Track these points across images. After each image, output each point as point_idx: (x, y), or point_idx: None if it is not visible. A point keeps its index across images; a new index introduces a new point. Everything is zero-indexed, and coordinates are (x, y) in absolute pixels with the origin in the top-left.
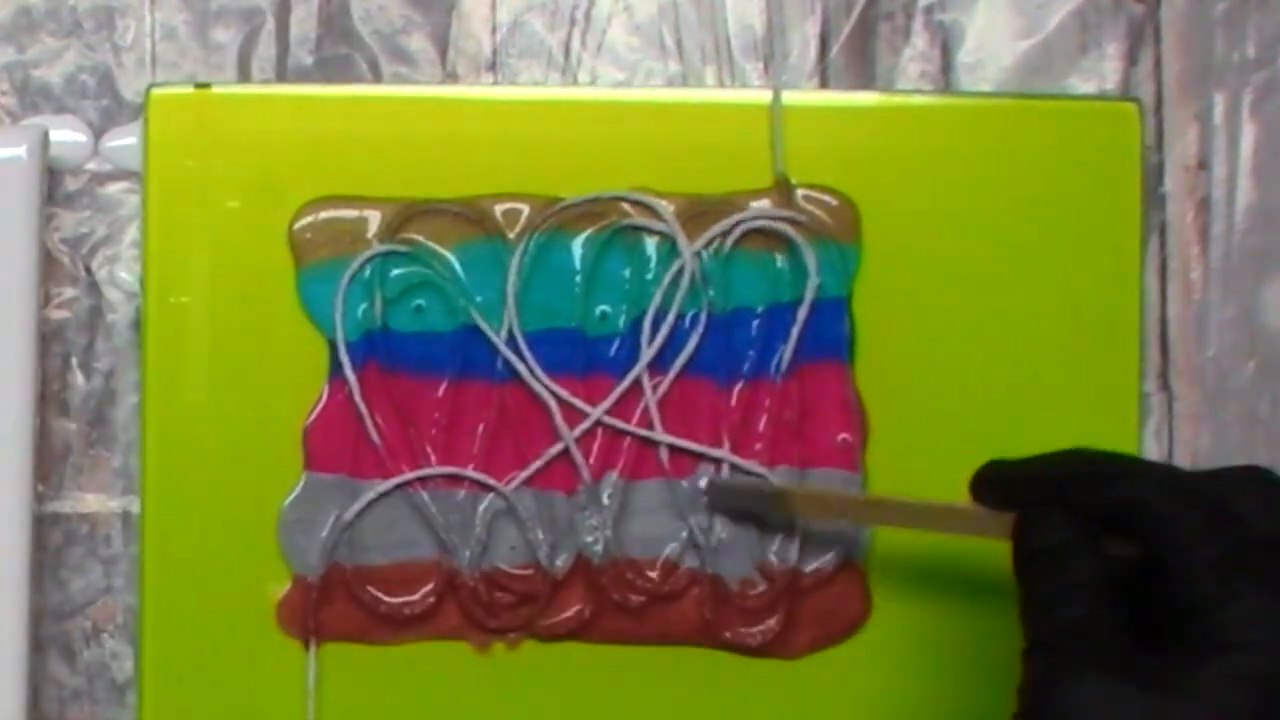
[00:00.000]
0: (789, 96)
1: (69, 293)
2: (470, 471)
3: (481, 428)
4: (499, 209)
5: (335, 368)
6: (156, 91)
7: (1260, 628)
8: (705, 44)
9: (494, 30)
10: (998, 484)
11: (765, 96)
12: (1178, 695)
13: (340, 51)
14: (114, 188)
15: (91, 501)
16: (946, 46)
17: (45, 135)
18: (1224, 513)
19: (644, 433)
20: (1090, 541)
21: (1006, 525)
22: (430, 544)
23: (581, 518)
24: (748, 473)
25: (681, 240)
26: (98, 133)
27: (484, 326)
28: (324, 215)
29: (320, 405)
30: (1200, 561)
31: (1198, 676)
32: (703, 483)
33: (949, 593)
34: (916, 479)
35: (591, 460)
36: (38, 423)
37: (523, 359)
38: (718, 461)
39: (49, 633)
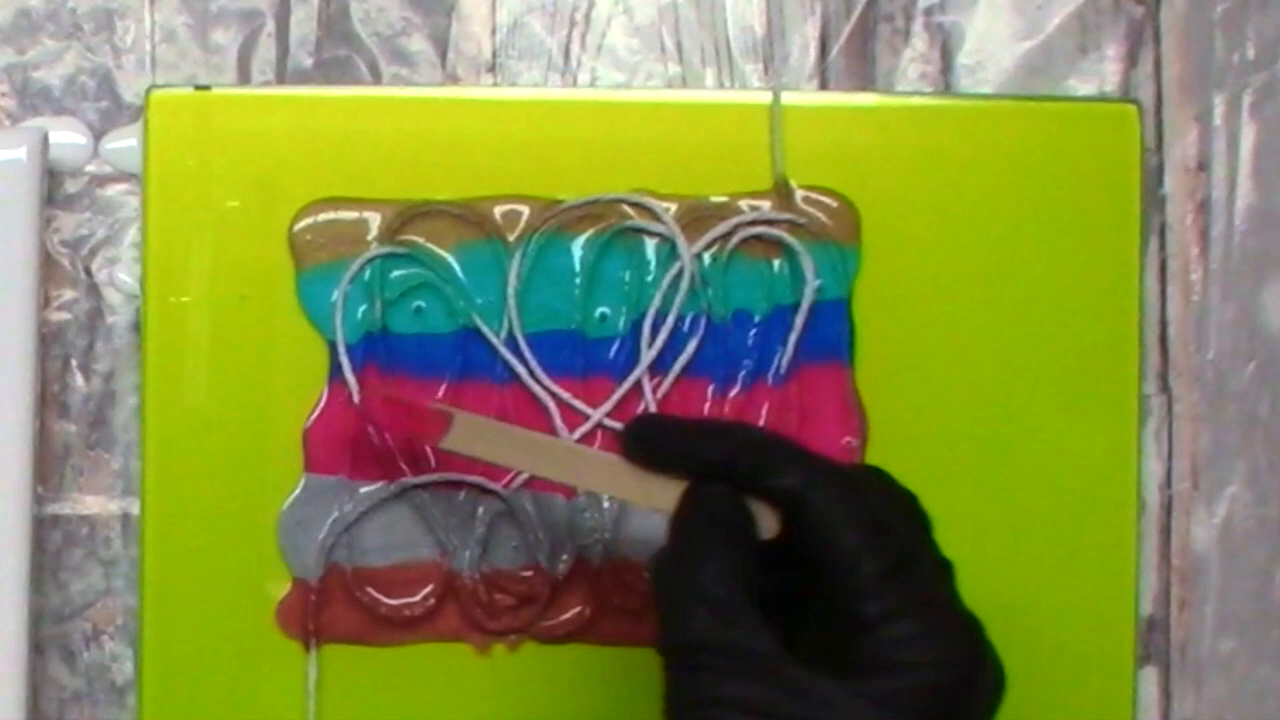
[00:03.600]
0: (789, 98)
1: (69, 294)
2: (472, 477)
3: None
4: (499, 210)
5: (335, 369)
6: (156, 93)
7: (915, 648)
8: (705, 45)
9: (494, 32)
10: (656, 445)
11: (765, 98)
12: (836, 712)
13: (340, 53)
14: (114, 190)
15: (91, 503)
16: (946, 48)
17: (45, 137)
18: (885, 523)
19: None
20: (748, 526)
21: (669, 496)
22: (430, 545)
23: (581, 520)
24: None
25: (681, 242)
26: (98, 135)
27: (484, 328)
28: (324, 217)
29: (320, 407)
30: (861, 576)
31: (859, 694)
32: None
33: None
34: (916, 479)
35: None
36: (37, 424)
37: (523, 361)
38: None
39: (49, 634)
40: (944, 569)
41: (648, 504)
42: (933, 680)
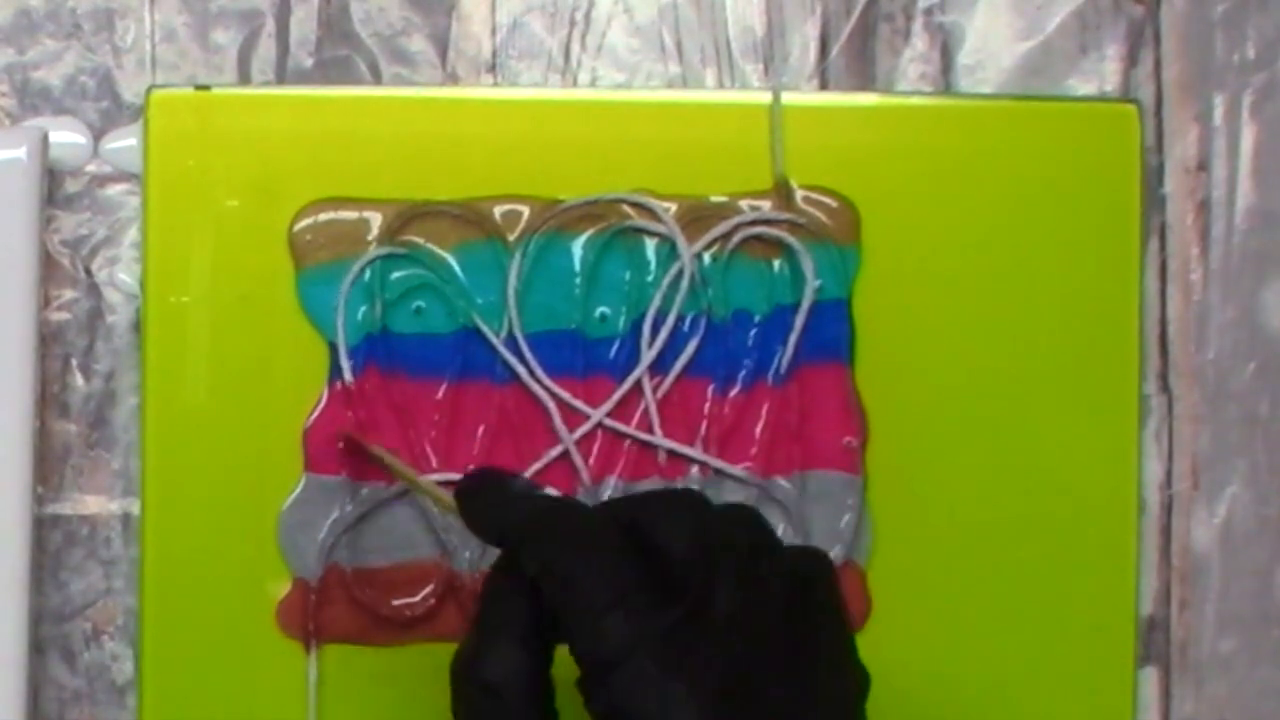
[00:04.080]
0: (789, 98)
1: (69, 294)
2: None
3: (481, 430)
4: (499, 210)
5: (335, 370)
6: (156, 93)
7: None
8: (705, 45)
9: (494, 32)
10: (467, 507)
11: (765, 98)
12: None
13: (340, 53)
14: (114, 189)
15: (91, 503)
16: (946, 48)
17: (45, 137)
18: (617, 564)
19: (644, 436)
20: (530, 608)
21: None
22: (430, 546)
23: None
24: (736, 478)
25: (681, 242)
26: (98, 134)
27: (484, 328)
28: (324, 217)
29: (320, 407)
30: (591, 614)
31: None
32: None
33: (949, 593)
34: (917, 480)
35: (591, 462)
36: (38, 424)
37: (523, 361)
38: (708, 465)
39: (49, 634)
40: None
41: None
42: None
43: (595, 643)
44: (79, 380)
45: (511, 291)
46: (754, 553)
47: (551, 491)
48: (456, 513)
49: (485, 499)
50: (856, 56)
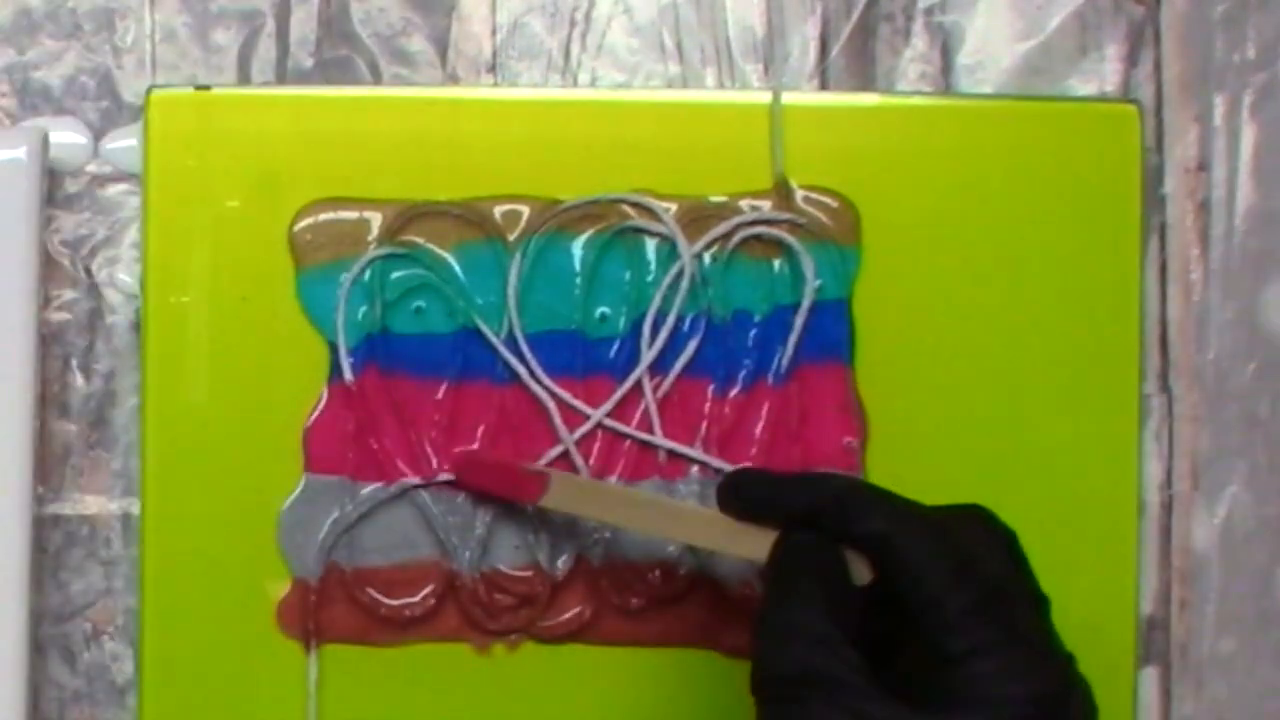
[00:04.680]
0: (789, 98)
1: (69, 295)
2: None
3: (481, 429)
4: (499, 211)
5: (335, 369)
6: (157, 93)
7: (1002, 682)
8: (705, 45)
9: (494, 32)
10: (749, 499)
11: (765, 98)
12: None
13: (340, 53)
14: (114, 190)
15: (91, 503)
16: (946, 48)
17: (45, 137)
18: (970, 560)
19: (644, 436)
20: (841, 571)
21: (762, 546)
22: (430, 545)
23: (581, 520)
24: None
25: (681, 242)
26: (98, 134)
27: (484, 328)
28: (324, 217)
29: (320, 407)
30: (946, 613)
31: None
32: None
33: None
34: (917, 480)
35: (591, 462)
36: (38, 424)
37: (523, 361)
38: (708, 465)
39: (49, 634)
40: (1037, 604)
41: (742, 554)
42: (1018, 715)
43: (944, 635)
44: (79, 380)
45: (511, 291)
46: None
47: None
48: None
49: (767, 480)
50: (856, 56)
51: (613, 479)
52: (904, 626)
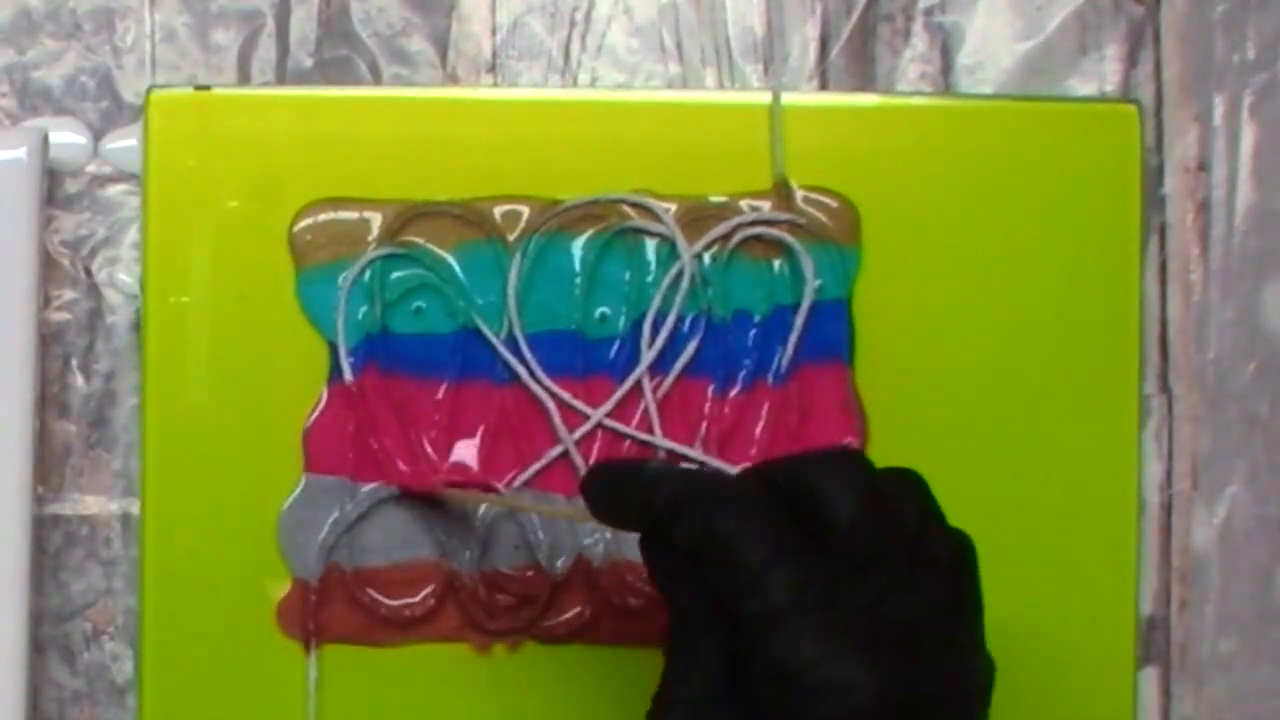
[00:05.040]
0: (789, 98)
1: (69, 295)
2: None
3: (481, 430)
4: (499, 211)
5: (335, 370)
6: (157, 93)
7: (804, 646)
8: (705, 46)
9: (494, 32)
10: (601, 499)
11: (765, 98)
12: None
13: (340, 53)
14: (114, 190)
15: (91, 503)
16: (946, 48)
17: (45, 137)
18: (774, 524)
19: (644, 436)
20: (692, 574)
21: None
22: (430, 546)
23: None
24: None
25: (681, 243)
26: (98, 135)
27: (484, 328)
28: (324, 217)
29: (320, 407)
30: (747, 572)
31: (755, 701)
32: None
33: None
34: None
35: (591, 462)
36: (38, 425)
37: (523, 361)
38: (706, 465)
39: (49, 635)
40: (885, 568)
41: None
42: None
43: (759, 598)
44: (79, 380)
45: (512, 291)
46: (921, 524)
47: (689, 464)
48: (581, 518)
49: (619, 485)
50: (856, 56)
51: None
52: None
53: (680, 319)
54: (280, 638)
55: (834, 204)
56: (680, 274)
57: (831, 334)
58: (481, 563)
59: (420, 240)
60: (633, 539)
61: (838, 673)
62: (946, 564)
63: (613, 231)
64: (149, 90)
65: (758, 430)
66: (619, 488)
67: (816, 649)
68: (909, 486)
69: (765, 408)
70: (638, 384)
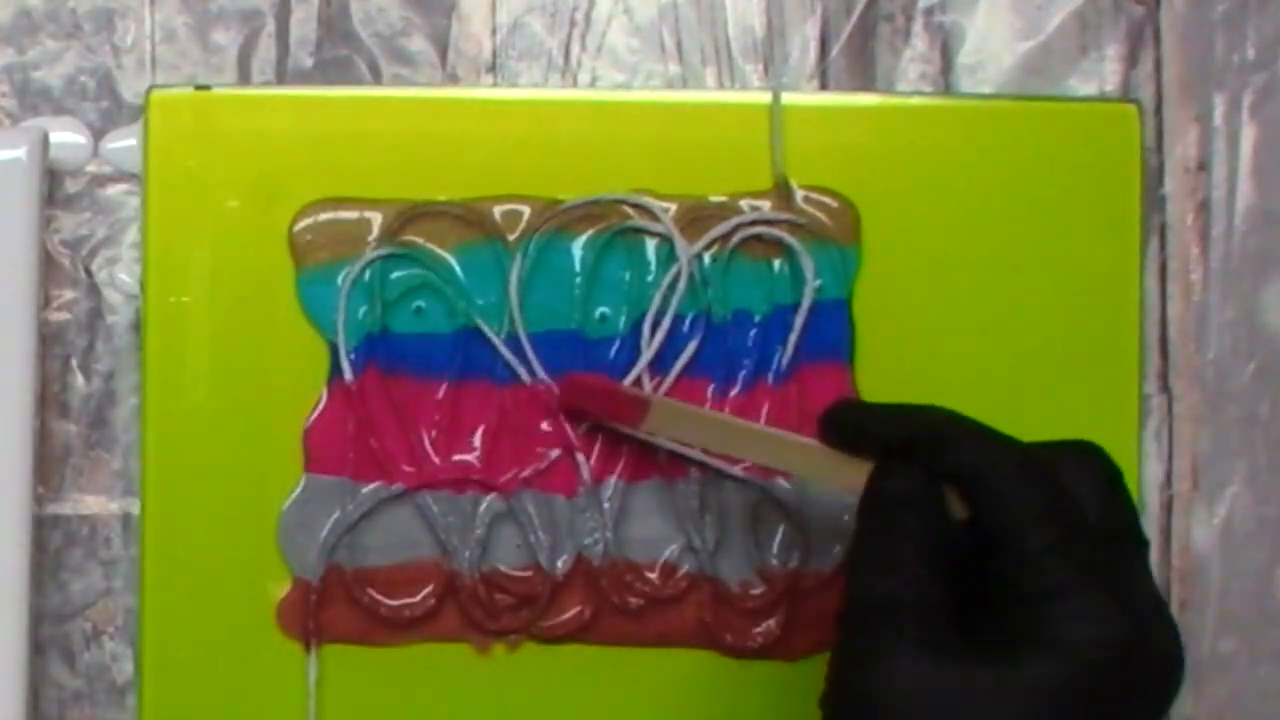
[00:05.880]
0: (789, 98)
1: (69, 295)
2: (474, 477)
3: (482, 429)
4: (499, 211)
5: (335, 369)
6: (157, 93)
7: (1082, 625)
8: (705, 45)
9: (494, 32)
10: (847, 427)
11: (765, 98)
12: (992, 687)
13: (340, 53)
14: (114, 189)
15: (91, 503)
16: (946, 48)
17: (45, 137)
18: (1061, 498)
19: (644, 436)
20: (935, 504)
21: (859, 475)
22: (430, 546)
23: (581, 520)
24: (736, 479)
25: (679, 243)
26: (98, 135)
27: (484, 328)
28: (324, 217)
29: (320, 407)
30: (1031, 549)
31: (1016, 671)
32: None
33: None
34: None
35: (592, 462)
36: (38, 424)
37: (523, 361)
38: (708, 466)
39: (49, 634)
40: (1133, 546)
41: (839, 484)
42: (1084, 660)
43: (1021, 574)
44: (79, 380)
45: (512, 291)
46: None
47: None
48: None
49: (865, 410)
50: (856, 56)
51: (611, 480)
52: (985, 563)
53: (680, 319)
54: (280, 638)
55: (834, 204)
56: (680, 274)
57: (831, 334)
58: (481, 563)
59: (420, 240)
60: (632, 539)
61: (1100, 603)
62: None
63: (613, 231)
64: (149, 90)
65: None
66: (867, 410)
67: (1084, 582)
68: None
69: (765, 408)
70: (638, 384)
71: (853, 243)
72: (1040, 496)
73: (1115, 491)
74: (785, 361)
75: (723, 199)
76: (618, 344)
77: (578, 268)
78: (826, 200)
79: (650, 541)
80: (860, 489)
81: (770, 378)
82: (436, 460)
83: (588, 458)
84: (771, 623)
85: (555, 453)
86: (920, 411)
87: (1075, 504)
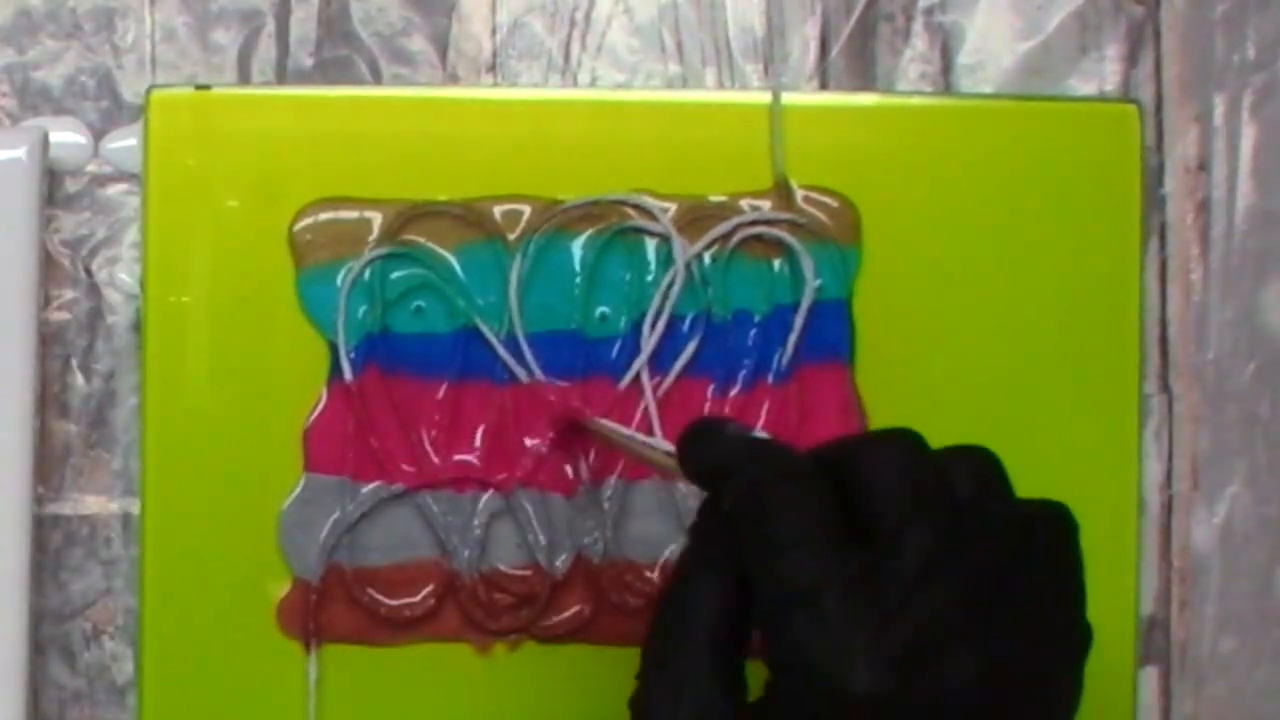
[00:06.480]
0: (789, 98)
1: (69, 294)
2: (474, 476)
3: (481, 429)
4: (499, 210)
5: (335, 369)
6: (157, 93)
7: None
8: (705, 45)
9: (494, 32)
10: (683, 449)
11: (765, 98)
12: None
13: (340, 53)
14: (114, 189)
15: (91, 503)
16: (946, 48)
17: (45, 137)
18: (825, 532)
19: (644, 437)
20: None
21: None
22: (430, 545)
23: (581, 519)
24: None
25: (677, 245)
26: (98, 134)
27: (484, 328)
28: (324, 217)
29: (320, 407)
30: (772, 598)
31: None
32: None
33: None
34: None
35: (592, 462)
36: (38, 424)
37: (523, 361)
38: None
39: (49, 634)
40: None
41: None
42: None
43: (777, 580)
44: (79, 380)
45: (512, 291)
46: (976, 499)
47: (761, 434)
48: (676, 470)
49: (698, 442)
50: (856, 56)
51: (611, 480)
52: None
53: (680, 319)
54: (280, 638)
55: (834, 204)
56: (679, 274)
57: (831, 334)
58: (481, 562)
59: (420, 240)
60: (632, 539)
61: (834, 664)
62: (1009, 539)
63: (612, 231)
64: (149, 90)
65: (758, 430)
66: (698, 441)
67: (825, 641)
68: (968, 462)
69: (765, 408)
70: (638, 384)
71: (853, 243)
72: (788, 498)
73: (922, 480)
74: (785, 361)
75: (723, 199)
76: (618, 344)
77: (578, 268)
78: (826, 200)
79: (650, 541)
80: None
81: (770, 378)
82: (436, 460)
83: (587, 457)
84: None
85: (554, 453)
86: (721, 448)
87: (837, 508)
